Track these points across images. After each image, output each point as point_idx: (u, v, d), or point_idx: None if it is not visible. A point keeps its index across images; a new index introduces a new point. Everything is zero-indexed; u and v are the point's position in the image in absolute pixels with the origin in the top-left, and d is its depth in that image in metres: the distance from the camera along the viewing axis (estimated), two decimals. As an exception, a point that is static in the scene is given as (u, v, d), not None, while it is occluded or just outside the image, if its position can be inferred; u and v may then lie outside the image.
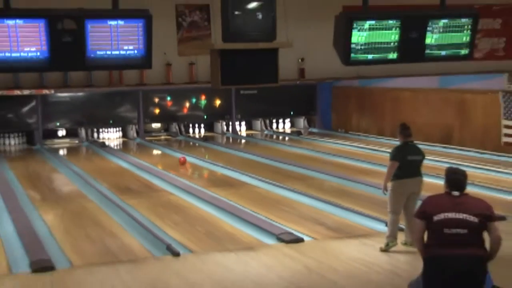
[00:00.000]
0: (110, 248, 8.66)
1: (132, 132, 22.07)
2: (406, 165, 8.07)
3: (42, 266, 7.58)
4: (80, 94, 20.96)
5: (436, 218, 5.20)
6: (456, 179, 5.43)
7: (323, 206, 10.89)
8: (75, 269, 7.81)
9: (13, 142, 21.02)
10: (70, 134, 21.77)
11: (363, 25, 5.39)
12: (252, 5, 5.58)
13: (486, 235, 5.17)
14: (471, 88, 16.56)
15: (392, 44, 5.46)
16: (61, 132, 21.76)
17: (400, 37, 5.43)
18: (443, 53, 5.63)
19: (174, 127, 22.67)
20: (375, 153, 17.08)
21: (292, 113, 23.90)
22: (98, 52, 5.40)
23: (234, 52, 5.59)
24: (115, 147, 20.79)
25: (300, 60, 7.76)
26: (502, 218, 8.92)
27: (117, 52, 5.48)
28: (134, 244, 8.83)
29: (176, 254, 8.10)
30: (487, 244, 5.18)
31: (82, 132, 21.58)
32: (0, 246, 8.79)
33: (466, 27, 5.67)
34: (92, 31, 5.36)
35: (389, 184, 8.24)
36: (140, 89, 20.41)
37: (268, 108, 23.18)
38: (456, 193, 5.31)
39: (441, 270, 5.24)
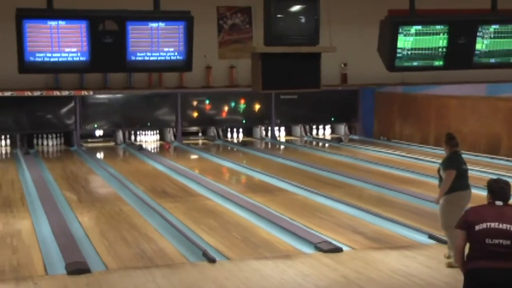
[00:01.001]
0: (146, 252, 8.74)
1: (170, 135, 22.19)
2: (462, 175, 7.97)
3: (78, 268, 7.70)
4: (118, 95, 21.16)
5: (477, 227, 5.12)
6: (499, 188, 5.35)
7: (362, 215, 10.82)
8: (110, 272, 7.90)
9: (51, 143, 21.37)
10: (108, 135, 22.04)
11: (409, 30, 5.33)
12: (295, 8, 5.58)
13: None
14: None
15: (439, 50, 5.39)
16: (99, 134, 22.03)
17: (448, 43, 5.37)
18: (493, 60, 5.53)
19: (212, 131, 22.73)
20: (417, 162, 16.93)
21: (333, 119, 23.77)
22: (139, 54, 5.45)
23: (276, 56, 5.58)
24: (152, 150, 20.97)
25: (342, 65, 7.72)
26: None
27: (157, 54, 5.53)
28: (170, 248, 8.90)
29: (212, 260, 8.14)
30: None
31: (120, 134, 21.80)
32: (36, 246, 8.95)
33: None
34: (132, 32, 5.42)
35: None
36: (179, 92, 20.48)
37: (309, 114, 23.10)
38: (499, 203, 5.23)
39: (482, 284, 5.15)
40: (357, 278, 7.68)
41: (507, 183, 5.39)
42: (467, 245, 5.21)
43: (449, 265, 7.88)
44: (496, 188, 5.34)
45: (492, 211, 5.21)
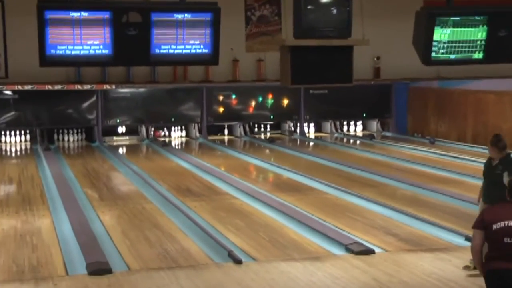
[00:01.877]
0: (169, 252, 8.78)
1: (195, 131, 22.24)
2: None
3: (99, 268, 7.77)
4: (141, 90, 21.24)
5: (495, 226, 5.12)
6: None
7: (396, 216, 10.78)
8: (132, 273, 7.96)
9: (72, 139, 21.55)
10: (131, 131, 22.13)
11: (446, 22, 5.29)
12: (326, -1, 5.57)
13: None
14: None
15: (478, 42, 5.34)
16: (121, 129, 22.13)
17: (487, 35, 5.31)
18: (534, 53, 5.49)
19: (239, 126, 22.73)
20: (454, 161, 16.80)
21: (364, 115, 23.65)
22: (163, 47, 5.47)
23: (306, 49, 5.57)
24: (177, 147, 21.06)
25: (375, 58, 7.69)
26: None
27: (182, 47, 5.55)
28: (194, 249, 8.94)
29: (238, 261, 8.16)
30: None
31: (143, 129, 21.91)
32: (57, 245, 9.05)
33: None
34: (157, 24, 5.44)
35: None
36: (204, 86, 20.48)
37: (339, 109, 22.99)
38: None
39: (502, 286, 5.15)
40: (389, 281, 7.65)
41: None
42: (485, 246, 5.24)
43: (466, 267, 7.94)
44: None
45: (510, 210, 5.19)
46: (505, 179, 7.45)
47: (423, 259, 8.52)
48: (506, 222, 5.11)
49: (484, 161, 8.26)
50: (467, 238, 9.18)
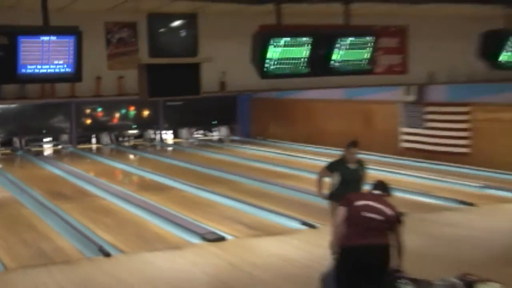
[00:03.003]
0: (45, 251, 8.36)
1: (65, 141, 21.49)
2: None
3: (-23, 270, 7.26)
4: (13, 106, 20.21)
5: (358, 203, 5.33)
6: (377, 182, 5.64)
7: (243, 207, 10.90)
8: (8, 272, 7.50)
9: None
10: (5, 144, 20.92)
11: (278, 42, 5.40)
12: (176, 23, 5.52)
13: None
14: (374, 99, 16.95)
15: (303, 59, 5.48)
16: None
17: (310, 53, 5.47)
18: (348, 68, 5.71)
19: (105, 136, 22.19)
20: (289, 158, 17.23)
21: (214, 122, 23.89)
22: (29, 67, 5.19)
23: (159, 66, 5.50)
24: (49, 156, 20.16)
25: (221, 73, 7.71)
26: (402, 215, 9.15)
27: (47, 67, 5.29)
28: (68, 246, 8.57)
29: (107, 254, 7.93)
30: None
31: (17, 142, 20.81)
32: None
33: (368, 45, 5.77)
34: (24, 46, 5.15)
35: None
36: (73, 101, 19.87)
37: (193, 118, 23.13)
38: (376, 192, 5.51)
39: (355, 260, 5.27)
40: (240, 263, 7.71)
41: (382, 181, 5.70)
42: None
43: None
44: (375, 182, 5.67)
45: (371, 196, 5.51)
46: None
47: (267, 242, 8.66)
48: (367, 202, 5.36)
49: (316, 158, 8.50)
50: (303, 223, 9.47)
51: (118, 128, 22.58)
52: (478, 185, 12.21)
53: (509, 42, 6.75)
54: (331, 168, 7.64)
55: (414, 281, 5.28)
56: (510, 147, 13.43)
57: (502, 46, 6.78)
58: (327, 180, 7.70)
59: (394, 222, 5.34)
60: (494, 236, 8.65)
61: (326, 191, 7.66)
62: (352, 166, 7.52)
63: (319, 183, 7.65)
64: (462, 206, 10.55)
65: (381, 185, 5.64)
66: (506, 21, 6.73)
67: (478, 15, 7.64)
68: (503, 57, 6.86)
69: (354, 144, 7.60)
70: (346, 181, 7.39)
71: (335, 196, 7.14)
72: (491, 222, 9.47)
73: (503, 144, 13.67)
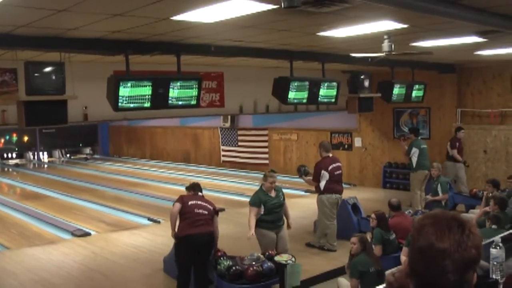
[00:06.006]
0: None
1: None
2: None
3: None
4: None
5: (190, 202, 5.41)
6: (193, 184, 5.75)
7: (104, 209, 10.58)
8: None
9: None
10: None
11: (127, 84, 5.37)
12: (48, 69, 5.26)
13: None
14: (201, 125, 17.26)
15: (146, 96, 5.50)
16: None
17: (152, 92, 5.51)
18: (181, 102, 5.81)
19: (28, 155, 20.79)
20: (139, 171, 16.88)
21: (81, 144, 22.78)
22: None
23: (35, 102, 5.21)
24: None
25: (84, 107, 7.44)
26: (222, 210, 9.35)
27: None
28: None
29: (-8, 252, 7.25)
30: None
31: None
32: None
33: (194, 86, 5.93)
34: None
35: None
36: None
37: (64, 141, 22.00)
38: (196, 192, 5.62)
39: (190, 244, 5.34)
40: (102, 252, 7.52)
41: (198, 183, 5.76)
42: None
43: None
44: (190, 184, 5.74)
45: (195, 197, 5.53)
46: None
47: (123, 235, 8.48)
48: (196, 201, 5.38)
49: (159, 170, 8.46)
50: (149, 219, 9.38)
51: (4, 150, 21.12)
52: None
53: (292, 85, 7.10)
54: (258, 203, 5.82)
55: (231, 257, 5.40)
56: (295, 159, 14.40)
57: (288, 88, 7.00)
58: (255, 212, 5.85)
59: (213, 214, 5.52)
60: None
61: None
62: (272, 194, 5.90)
63: (252, 221, 5.75)
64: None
65: (197, 186, 5.76)
66: (291, 70, 7.19)
67: (272, 65, 8.10)
68: (290, 95, 7.03)
69: (271, 173, 6.03)
70: (269, 210, 5.82)
71: (262, 223, 5.79)
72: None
73: (289, 157, 14.62)
